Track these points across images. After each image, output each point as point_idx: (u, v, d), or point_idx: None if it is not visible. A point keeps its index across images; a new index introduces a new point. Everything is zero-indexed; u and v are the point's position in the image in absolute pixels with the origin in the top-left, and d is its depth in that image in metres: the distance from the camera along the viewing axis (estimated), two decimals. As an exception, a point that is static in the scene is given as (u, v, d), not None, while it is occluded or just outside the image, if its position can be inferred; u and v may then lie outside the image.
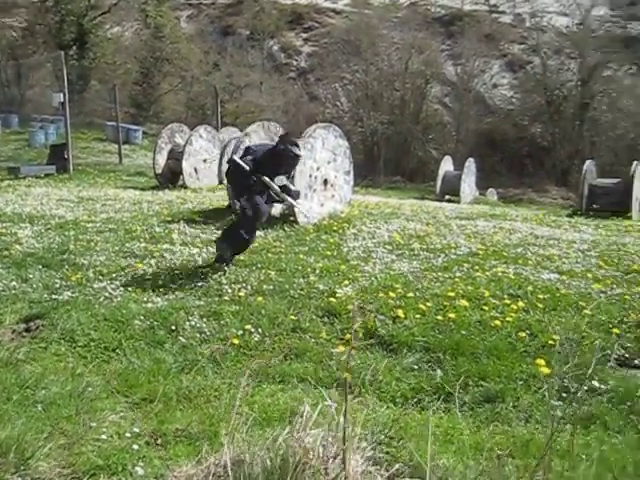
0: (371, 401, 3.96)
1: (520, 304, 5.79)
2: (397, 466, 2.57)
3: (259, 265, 7.21)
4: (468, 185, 21.72)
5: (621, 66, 45.39)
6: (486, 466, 2.58)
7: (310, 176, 9.51)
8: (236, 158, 6.87)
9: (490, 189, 29.14)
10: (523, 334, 4.98)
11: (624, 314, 5.53)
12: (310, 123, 41.46)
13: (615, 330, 5.05)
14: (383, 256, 7.81)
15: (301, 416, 2.61)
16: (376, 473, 2.43)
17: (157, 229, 9.21)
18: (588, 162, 14.87)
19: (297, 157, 7.02)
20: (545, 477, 2.29)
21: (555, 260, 7.86)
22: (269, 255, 7.67)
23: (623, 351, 4.86)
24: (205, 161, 16.48)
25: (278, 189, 6.81)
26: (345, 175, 10.39)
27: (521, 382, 4.27)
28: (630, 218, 13.76)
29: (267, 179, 6.74)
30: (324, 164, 9.79)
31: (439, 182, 21.66)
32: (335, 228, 9.19)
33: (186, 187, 15.84)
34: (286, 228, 9.13)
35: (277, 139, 7.26)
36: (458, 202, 20.98)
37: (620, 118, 39.65)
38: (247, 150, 7.04)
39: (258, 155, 6.82)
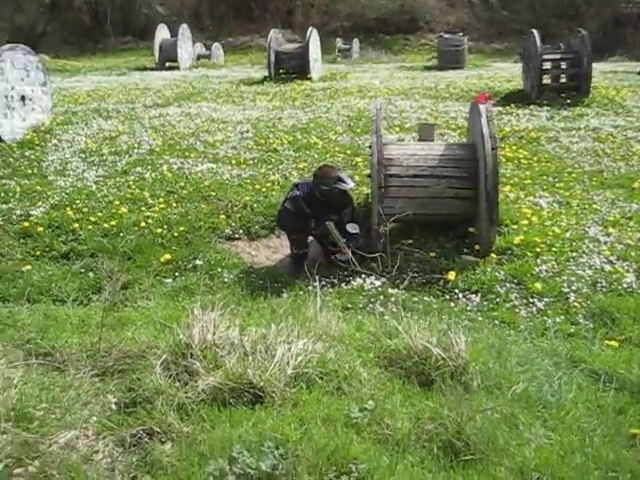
0: (46, 304, 5.81)
1: (171, 201, 7.87)
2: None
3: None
4: (185, 51, 23.03)
5: None
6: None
7: (6, 97, 10.59)
8: (287, 205, 6.23)
9: (216, 44, 30.46)
10: (161, 229, 7.06)
11: (240, 196, 7.80)
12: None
13: (222, 215, 7.30)
14: (77, 167, 9.40)
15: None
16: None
17: None
18: (272, 32, 16.95)
19: (345, 192, 6.25)
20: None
21: (217, 147, 9.97)
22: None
23: (229, 229, 7.16)
24: None
25: (342, 240, 6.06)
26: (42, 87, 11.50)
27: (150, 270, 6.38)
28: (310, 79, 16.26)
29: (332, 226, 6.06)
30: (18, 82, 10.86)
31: (157, 51, 22.72)
32: (37, 141, 10.52)
33: None
34: (-10, 150, 10.25)
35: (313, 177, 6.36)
36: (178, 68, 22.37)
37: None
38: (295, 187, 6.37)
39: (305, 194, 6.22)
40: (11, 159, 9.79)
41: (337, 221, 6.13)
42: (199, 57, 28.95)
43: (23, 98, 11.01)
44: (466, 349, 3.65)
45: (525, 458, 2.90)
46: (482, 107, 6.12)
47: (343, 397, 3.35)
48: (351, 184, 6.12)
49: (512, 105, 12.37)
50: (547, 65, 13.13)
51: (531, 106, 12.28)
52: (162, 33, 23.43)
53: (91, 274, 6.25)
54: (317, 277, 5.37)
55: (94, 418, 3.52)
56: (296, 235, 6.36)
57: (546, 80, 13.24)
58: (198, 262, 6.45)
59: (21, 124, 10.92)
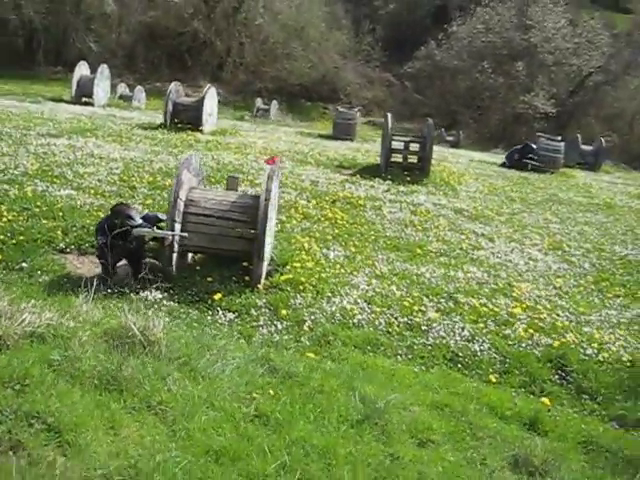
0: None
1: (23, 215, 9.15)
2: None
3: None
4: (102, 89, 24.40)
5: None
6: None
7: None
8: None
9: (139, 86, 31.94)
10: (3, 236, 8.34)
11: (82, 219, 9.15)
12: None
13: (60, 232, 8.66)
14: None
15: None
16: None
17: None
18: (173, 84, 18.62)
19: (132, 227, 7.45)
20: None
21: (84, 178, 11.30)
22: None
23: (63, 244, 8.49)
24: None
25: (155, 232, 7.58)
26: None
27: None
28: (201, 131, 17.91)
29: (142, 229, 7.47)
30: None
31: (74, 86, 24.03)
32: None
33: None
34: None
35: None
36: (92, 104, 23.70)
37: (271, 22, 44.15)
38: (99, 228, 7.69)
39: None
40: None
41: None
42: (121, 97, 30.34)
43: None
44: (162, 332, 5.12)
45: (153, 393, 4.34)
46: (268, 167, 7.77)
47: (57, 349, 4.75)
48: (138, 222, 7.57)
49: (359, 176, 14.25)
50: (399, 145, 15.12)
51: (376, 179, 14.16)
52: (82, 69, 24.75)
53: None
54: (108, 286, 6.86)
55: None
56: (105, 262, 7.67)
57: (396, 158, 15.21)
58: (24, 265, 7.75)
59: None
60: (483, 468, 4.61)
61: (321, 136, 23.38)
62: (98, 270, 8.19)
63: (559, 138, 21.58)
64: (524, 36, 41.90)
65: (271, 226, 8.17)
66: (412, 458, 4.36)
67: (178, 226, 7.59)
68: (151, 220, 7.69)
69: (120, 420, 3.85)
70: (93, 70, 25.00)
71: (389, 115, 15.20)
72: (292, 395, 4.87)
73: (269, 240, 8.09)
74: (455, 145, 33.58)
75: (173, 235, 7.47)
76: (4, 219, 8.86)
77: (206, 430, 4.01)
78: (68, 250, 8.47)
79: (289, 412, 4.51)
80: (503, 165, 21.04)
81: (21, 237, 8.38)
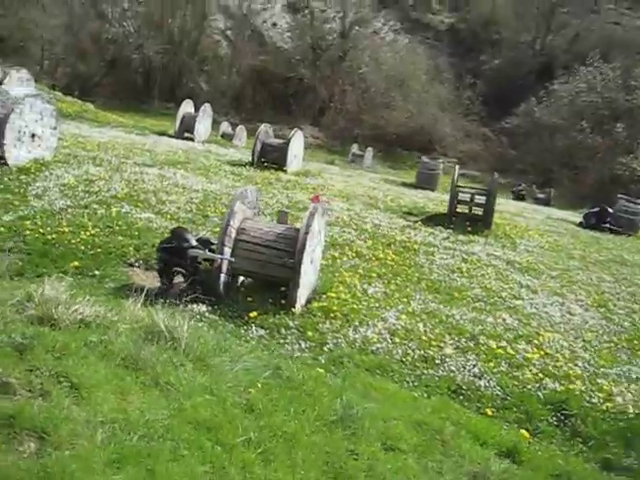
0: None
1: (105, 231, 10.50)
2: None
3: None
4: (203, 126, 26.27)
5: (388, 21, 51.67)
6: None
7: (19, 132, 13.55)
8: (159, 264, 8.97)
9: (240, 126, 33.88)
10: (84, 247, 9.66)
11: (154, 239, 10.39)
12: (95, 42, 42.99)
13: (132, 248, 9.91)
14: (53, 195, 12.16)
15: None
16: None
17: None
18: (263, 126, 20.07)
19: (187, 249, 8.68)
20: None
21: (165, 204, 12.68)
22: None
23: (133, 259, 9.73)
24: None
25: (208, 254, 8.70)
26: (52, 130, 14.49)
27: (62, 270, 8.96)
28: (285, 171, 19.18)
29: (195, 251, 8.68)
30: (32, 122, 13.84)
31: (178, 121, 26.02)
32: (33, 171, 13.36)
33: None
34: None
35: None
36: (193, 140, 25.58)
37: (372, 71, 45.75)
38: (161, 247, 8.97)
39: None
40: (6, 179, 12.60)
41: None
42: (223, 135, 32.35)
43: (33, 136, 13.95)
44: (186, 332, 6.12)
45: (163, 375, 5.31)
46: (311, 205, 8.74)
47: (96, 334, 5.82)
48: (193, 244, 8.70)
49: (422, 223, 15.01)
50: (465, 197, 15.82)
51: (438, 227, 14.87)
52: (187, 107, 26.77)
53: (20, 262, 8.88)
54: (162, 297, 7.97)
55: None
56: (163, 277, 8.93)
57: (462, 209, 15.89)
58: (97, 272, 9.03)
59: (26, 155, 13.82)
60: (437, 476, 5.27)
61: (404, 184, 24.21)
62: (158, 284, 9.37)
63: (639, 200, 21.48)
64: (628, 97, 41.48)
65: (314, 258, 9.11)
66: (370, 456, 5.10)
67: (228, 250, 8.64)
68: (204, 243, 8.81)
69: (129, 389, 4.83)
70: (198, 108, 26.93)
71: (457, 167, 15.96)
72: (283, 394, 5.72)
73: (311, 270, 9.03)
74: (546, 203, 33.53)
75: (222, 258, 8.53)
76: (88, 233, 10.23)
77: (197, 407, 4.92)
78: (137, 264, 9.71)
79: (273, 405, 5.37)
80: (580, 225, 21.15)
81: (99, 249, 9.70)
